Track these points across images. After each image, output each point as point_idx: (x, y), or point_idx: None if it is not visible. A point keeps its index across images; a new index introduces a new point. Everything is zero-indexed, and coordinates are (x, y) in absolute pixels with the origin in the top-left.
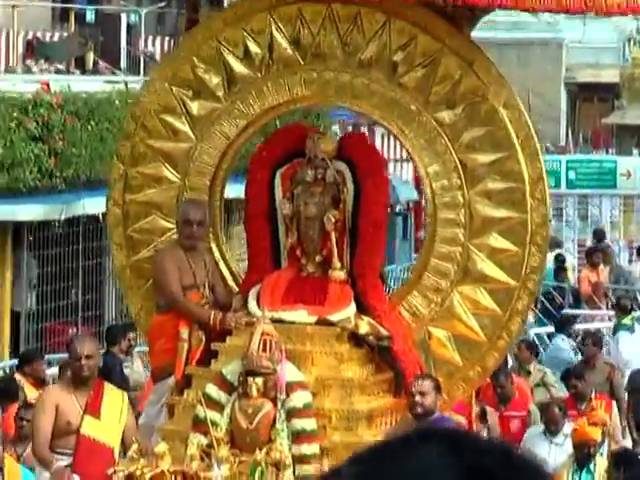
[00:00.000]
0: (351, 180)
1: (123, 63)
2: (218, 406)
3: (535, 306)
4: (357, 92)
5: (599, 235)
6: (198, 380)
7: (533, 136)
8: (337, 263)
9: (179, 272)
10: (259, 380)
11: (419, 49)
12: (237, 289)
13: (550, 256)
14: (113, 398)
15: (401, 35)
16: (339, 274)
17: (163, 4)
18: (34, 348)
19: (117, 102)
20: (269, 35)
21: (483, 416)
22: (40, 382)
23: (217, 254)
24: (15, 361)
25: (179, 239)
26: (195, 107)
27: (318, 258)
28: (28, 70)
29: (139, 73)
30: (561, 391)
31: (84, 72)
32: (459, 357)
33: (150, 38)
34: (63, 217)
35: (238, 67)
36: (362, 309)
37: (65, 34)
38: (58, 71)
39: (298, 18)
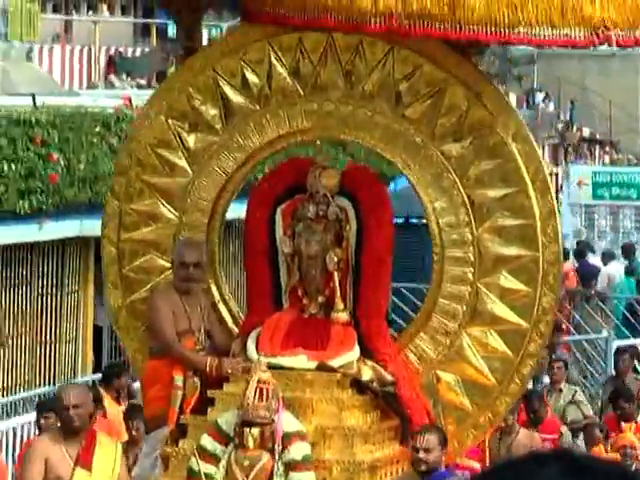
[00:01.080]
0: (354, 216)
1: None
2: (213, 458)
3: (616, 317)
4: (360, 124)
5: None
6: (193, 430)
7: (544, 169)
8: (340, 304)
9: (174, 316)
10: (255, 431)
11: (424, 79)
12: (237, 331)
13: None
14: (106, 449)
15: (405, 64)
16: (342, 316)
17: None
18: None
19: None
20: (268, 65)
21: None
22: (125, 396)
23: (216, 294)
24: (98, 375)
25: (174, 281)
26: (192, 140)
27: (321, 299)
28: (110, 85)
29: None
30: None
31: None
32: (469, 402)
33: None
34: None
35: (236, 98)
36: (366, 352)
37: (147, 49)
38: (140, 86)
39: (298, 47)
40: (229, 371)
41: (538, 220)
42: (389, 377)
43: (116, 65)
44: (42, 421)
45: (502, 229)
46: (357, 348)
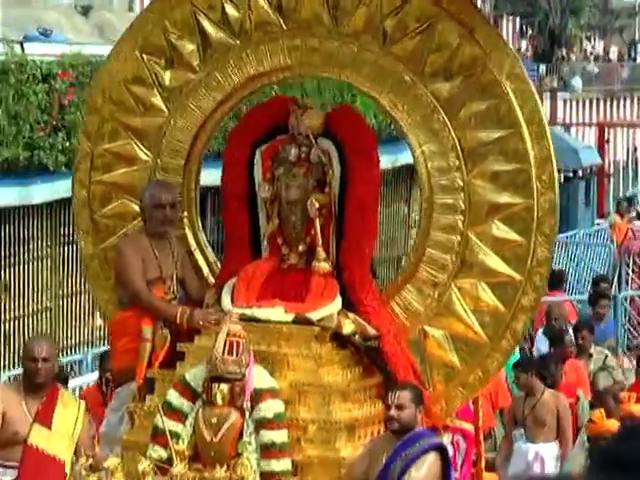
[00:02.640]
0: (338, 160)
1: None
2: (180, 415)
3: None
4: (345, 61)
5: None
6: (161, 385)
7: (540, 111)
8: (321, 253)
9: (143, 264)
10: (224, 387)
11: (413, 13)
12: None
13: None
14: (68, 406)
15: None
16: (323, 265)
17: None
18: None
19: None
20: None
21: None
22: None
23: (192, 242)
24: None
25: (148, 226)
26: (168, 77)
27: (301, 247)
28: None
29: None
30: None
31: None
32: (458, 359)
33: None
34: None
35: (215, 33)
36: (348, 304)
37: None
38: None
39: None
40: (201, 323)
41: (533, 166)
42: (372, 331)
43: None
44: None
45: (494, 174)
46: (339, 300)
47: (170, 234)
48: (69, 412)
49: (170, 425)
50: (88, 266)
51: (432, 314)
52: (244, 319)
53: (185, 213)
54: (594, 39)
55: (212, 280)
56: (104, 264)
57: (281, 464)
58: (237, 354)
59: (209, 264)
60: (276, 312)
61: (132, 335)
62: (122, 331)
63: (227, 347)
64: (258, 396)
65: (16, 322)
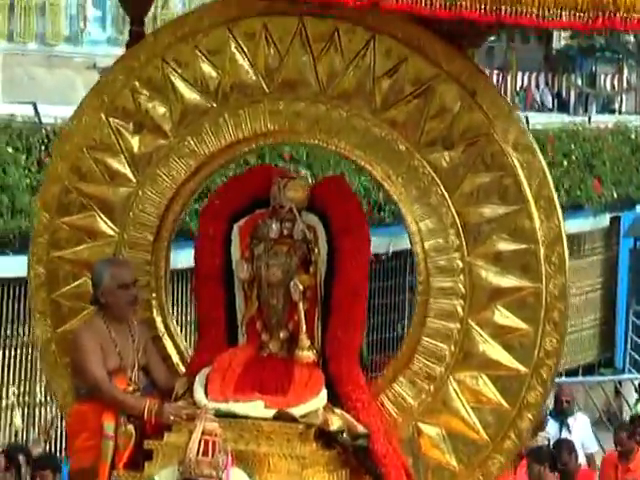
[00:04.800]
0: (324, 238)
1: None
2: None
3: None
4: (333, 127)
5: None
6: None
7: (549, 184)
8: (305, 341)
9: (102, 352)
10: None
11: (410, 75)
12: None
13: None
14: None
15: (388, 57)
16: (307, 355)
17: (492, 37)
18: None
19: None
20: (227, 55)
21: None
22: None
23: (161, 327)
24: None
25: (111, 309)
26: (136, 143)
27: (283, 334)
28: None
29: None
30: None
31: None
32: (455, 461)
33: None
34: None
35: (189, 94)
36: (335, 399)
37: None
38: None
39: (262, 35)
40: (171, 418)
41: (541, 246)
42: (361, 428)
43: None
44: None
45: (498, 255)
46: (324, 394)
47: (131, 317)
48: None
49: None
50: (44, 352)
51: (427, 410)
52: (220, 415)
53: (153, 294)
54: None
55: (183, 369)
56: (63, 350)
57: None
58: (213, 455)
59: (179, 352)
60: (255, 407)
61: (92, 431)
62: (81, 427)
63: (202, 447)
64: None
65: None
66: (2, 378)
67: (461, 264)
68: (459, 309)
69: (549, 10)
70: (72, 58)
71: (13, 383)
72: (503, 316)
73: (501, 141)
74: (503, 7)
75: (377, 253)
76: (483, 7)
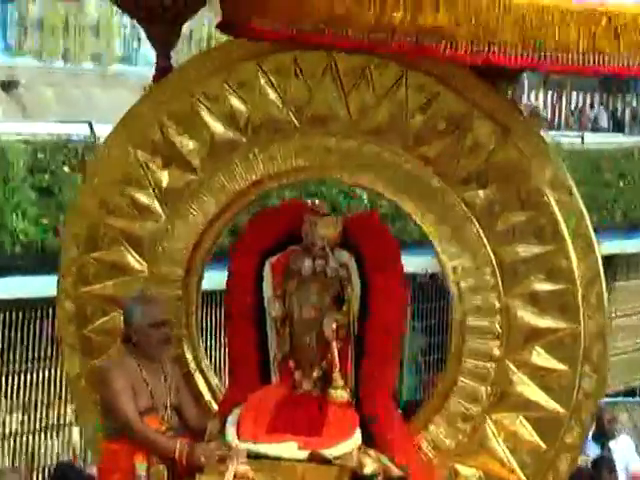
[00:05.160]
0: (358, 275)
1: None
2: None
3: None
4: (365, 163)
5: None
6: None
7: (587, 224)
8: (339, 380)
9: (133, 391)
10: None
11: (443, 111)
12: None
13: None
14: None
15: (421, 92)
16: (341, 394)
17: None
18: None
19: None
20: (257, 89)
21: None
22: None
23: (192, 364)
24: None
25: (143, 347)
26: (165, 178)
27: (316, 373)
28: None
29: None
30: None
31: None
32: None
33: (533, 92)
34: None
35: (218, 129)
36: (369, 440)
37: None
38: None
39: (293, 69)
40: (203, 459)
41: (579, 286)
42: (397, 471)
43: None
44: None
45: (535, 295)
46: (358, 434)
47: (164, 355)
48: None
49: None
50: (73, 387)
51: (464, 451)
52: (252, 456)
53: (184, 331)
54: None
55: (215, 407)
56: (92, 385)
57: None
58: None
59: (211, 389)
60: (288, 448)
61: (124, 472)
62: (113, 466)
63: None
64: None
65: None
66: (61, 396)
67: (497, 304)
68: (495, 349)
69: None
70: (127, 78)
71: (72, 401)
72: (540, 357)
73: (537, 179)
74: (543, 53)
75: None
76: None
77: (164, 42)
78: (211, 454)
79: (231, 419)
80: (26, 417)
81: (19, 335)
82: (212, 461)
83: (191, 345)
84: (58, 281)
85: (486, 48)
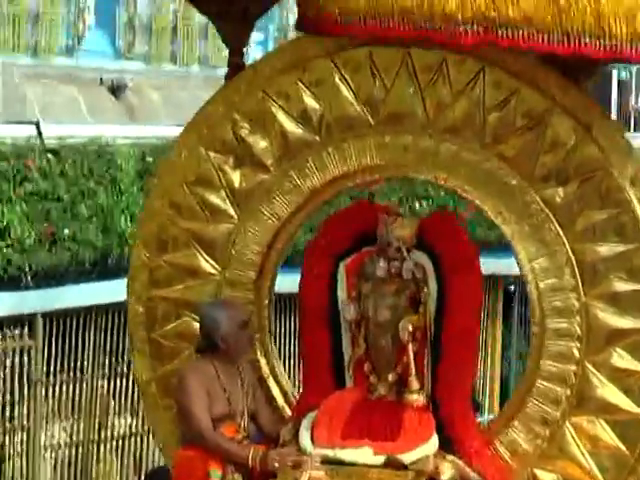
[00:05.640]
0: (434, 276)
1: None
2: None
3: None
4: (442, 161)
5: None
6: None
7: None
8: (415, 384)
9: (209, 397)
10: None
11: (522, 107)
12: (289, 414)
13: None
14: None
15: (499, 89)
16: (417, 398)
17: None
18: None
19: None
20: (331, 86)
21: None
22: None
23: (265, 369)
24: None
25: (230, 351)
26: (237, 178)
27: (391, 376)
28: None
29: (629, 129)
30: None
31: None
32: None
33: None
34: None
35: (291, 127)
36: (446, 444)
37: None
38: None
39: (368, 66)
40: (276, 465)
41: None
42: (475, 476)
43: None
44: None
45: (616, 296)
46: (435, 439)
47: (242, 360)
48: None
49: None
50: (145, 393)
51: (543, 456)
52: (326, 461)
53: (257, 335)
54: None
55: (288, 412)
56: (164, 391)
57: None
58: None
59: (284, 394)
60: (364, 453)
61: (198, 478)
62: (187, 473)
63: None
64: None
65: None
66: None
67: (577, 305)
68: (575, 351)
69: None
70: None
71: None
72: (621, 358)
73: (618, 176)
74: (622, 44)
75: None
76: (601, 44)
77: (235, 38)
78: (284, 459)
79: (305, 424)
80: (134, 420)
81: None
82: (285, 466)
83: (264, 349)
84: (128, 284)
85: (564, 37)
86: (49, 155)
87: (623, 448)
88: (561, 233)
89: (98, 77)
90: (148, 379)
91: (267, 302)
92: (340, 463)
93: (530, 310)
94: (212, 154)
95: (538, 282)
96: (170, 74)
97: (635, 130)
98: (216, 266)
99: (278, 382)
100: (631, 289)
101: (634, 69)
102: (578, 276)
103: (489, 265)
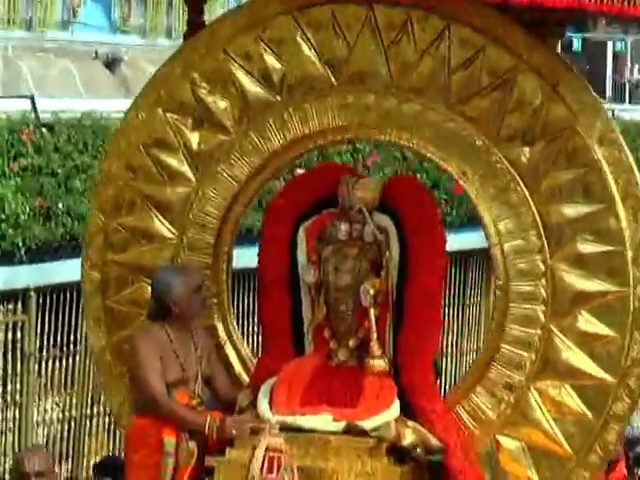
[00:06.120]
0: (397, 239)
1: (608, 91)
2: None
3: None
4: (406, 121)
5: None
6: None
7: (638, 183)
8: (376, 349)
9: (162, 363)
10: None
11: (488, 66)
12: (247, 380)
13: None
14: None
15: (464, 47)
16: (379, 363)
17: None
18: None
19: None
20: (293, 45)
21: None
22: None
23: (223, 334)
24: None
25: (184, 315)
26: (195, 140)
27: (352, 342)
28: None
29: (624, 101)
30: None
31: None
32: (537, 476)
33: (636, 66)
34: None
35: (252, 87)
36: (407, 410)
37: None
38: None
39: (330, 24)
40: (234, 432)
41: (629, 248)
42: (437, 442)
43: None
44: None
45: (582, 258)
46: (396, 405)
47: (195, 324)
48: None
49: None
50: (98, 360)
51: (506, 422)
52: (285, 428)
53: (214, 300)
54: None
55: (246, 379)
56: (119, 359)
57: None
58: (278, 472)
59: (242, 360)
60: (323, 420)
61: (152, 447)
62: (140, 442)
63: (266, 464)
64: None
65: None
66: None
67: (543, 267)
68: (540, 315)
69: None
70: None
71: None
72: (587, 322)
73: (585, 135)
74: None
75: None
76: None
77: None
78: (243, 426)
79: (264, 390)
80: None
81: None
82: (244, 434)
83: (221, 315)
84: (83, 251)
85: None
86: (44, 129)
87: (589, 414)
88: (527, 194)
89: (93, 51)
90: (102, 347)
91: (225, 267)
92: (299, 430)
93: (494, 273)
94: (170, 115)
95: (503, 244)
96: (165, 47)
97: (630, 102)
98: (173, 230)
99: (236, 348)
100: (598, 251)
101: (629, 41)
102: (544, 238)
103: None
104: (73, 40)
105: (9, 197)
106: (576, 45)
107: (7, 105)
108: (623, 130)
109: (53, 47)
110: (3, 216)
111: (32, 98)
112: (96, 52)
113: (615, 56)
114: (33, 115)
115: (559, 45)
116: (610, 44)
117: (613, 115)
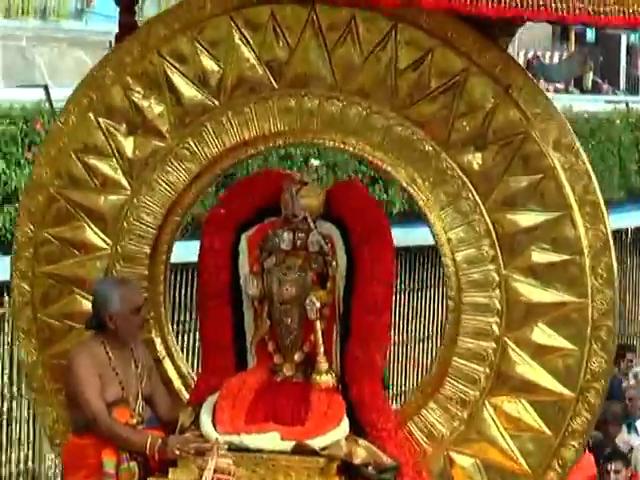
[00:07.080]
0: (343, 249)
1: (622, 83)
2: None
3: None
4: (351, 126)
5: None
6: None
7: (595, 189)
8: (323, 363)
9: (101, 381)
10: None
11: (437, 68)
12: (188, 397)
13: None
14: None
15: (412, 48)
16: (326, 379)
17: None
18: None
19: (618, 122)
20: (231, 47)
21: None
22: None
23: (161, 348)
24: None
25: (120, 334)
26: (130, 146)
27: (298, 356)
28: None
29: (638, 93)
30: None
31: (583, 92)
32: None
33: None
34: None
35: (188, 91)
36: (357, 428)
37: (565, 54)
38: (557, 90)
39: (270, 24)
40: (177, 452)
41: (587, 256)
42: (389, 460)
43: (534, 69)
44: None
45: (538, 267)
46: (346, 422)
47: (134, 342)
48: None
49: None
50: (31, 376)
51: (460, 439)
52: (231, 448)
53: (151, 313)
54: None
55: (186, 395)
56: (51, 374)
57: None
58: None
59: (182, 376)
60: (271, 439)
61: (91, 468)
62: (78, 462)
63: None
64: None
65: None
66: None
67: (497, 277)
68: (494, 327)
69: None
70: None
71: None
72: (544, 334)
73: (540, 140)
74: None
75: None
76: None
77: None
78: (186, 446)
79: (206, 408)
80: None
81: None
82: (187, 453)
83: (159, 329)
84: (12, 261)
85: None
86: None
87: (547, 430)
88: (479, 202)
89: (107, 41)
90: (34, 362)
91: (162, 278)
92: (245, 450)
93: (446, 284)
94: (102, 120)
95: (455, 254)
96: None
97: None
98: (107, 240)
99: (174, 363)
100: (554, 260)
101: None
102: (498, 247)
103: None
104: (87, 30)
105: (24, 186)
106: (590, 36)
107: (21, 95)
108: (637, 121)
109: (67, 37)
110: (17, 205)
111: (46, 88)
112: (110, 42)
113: (629, 48)
114: (47, 105)
115: (563, 41)
116: (624, 36)
117: (627, 107)
